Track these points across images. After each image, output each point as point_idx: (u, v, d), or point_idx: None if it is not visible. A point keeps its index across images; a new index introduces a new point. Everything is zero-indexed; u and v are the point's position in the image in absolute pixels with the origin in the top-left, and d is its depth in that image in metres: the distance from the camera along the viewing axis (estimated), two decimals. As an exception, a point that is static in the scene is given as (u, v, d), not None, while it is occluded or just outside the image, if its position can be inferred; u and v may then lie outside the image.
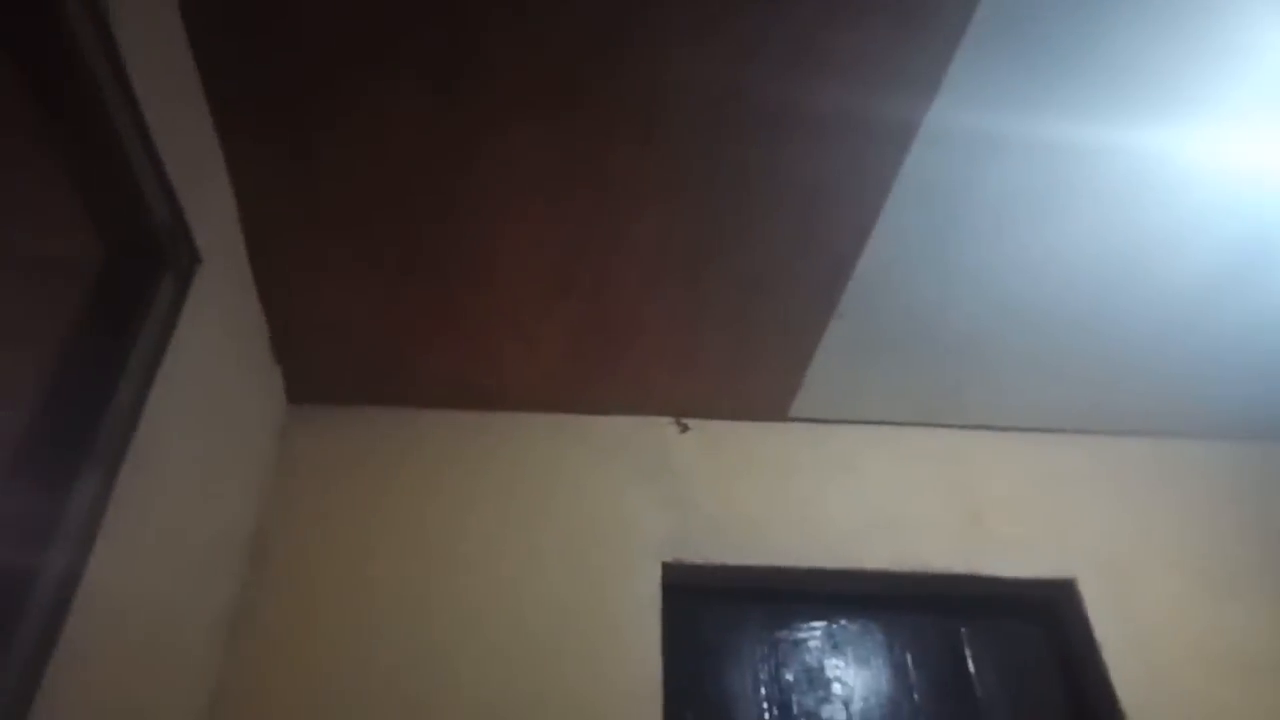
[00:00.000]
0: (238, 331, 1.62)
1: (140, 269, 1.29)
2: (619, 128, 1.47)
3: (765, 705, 1.76)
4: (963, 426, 2.03)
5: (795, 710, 1.76)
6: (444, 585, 1.71)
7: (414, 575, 1.72)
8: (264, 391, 1.74)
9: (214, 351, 1.50)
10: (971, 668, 1.84)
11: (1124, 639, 1.80)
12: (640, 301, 1.72)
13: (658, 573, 1.76)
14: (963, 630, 1.87)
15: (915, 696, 1.79)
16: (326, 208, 1.56)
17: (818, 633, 1.86)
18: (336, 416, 1.87)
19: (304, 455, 1.83)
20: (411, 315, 1.73)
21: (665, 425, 1.95)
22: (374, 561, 1.70)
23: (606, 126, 1.47)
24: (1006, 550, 1.89)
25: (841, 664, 1.82)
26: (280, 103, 1.44)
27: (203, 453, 1.50)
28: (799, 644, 1.85)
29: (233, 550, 1.64)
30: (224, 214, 1.53)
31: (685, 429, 1.95)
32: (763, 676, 1.79)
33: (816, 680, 1.80)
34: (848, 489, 1.92)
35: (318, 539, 1.73)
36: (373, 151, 1.49)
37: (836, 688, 1.80)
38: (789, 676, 1.80)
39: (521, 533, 1.79)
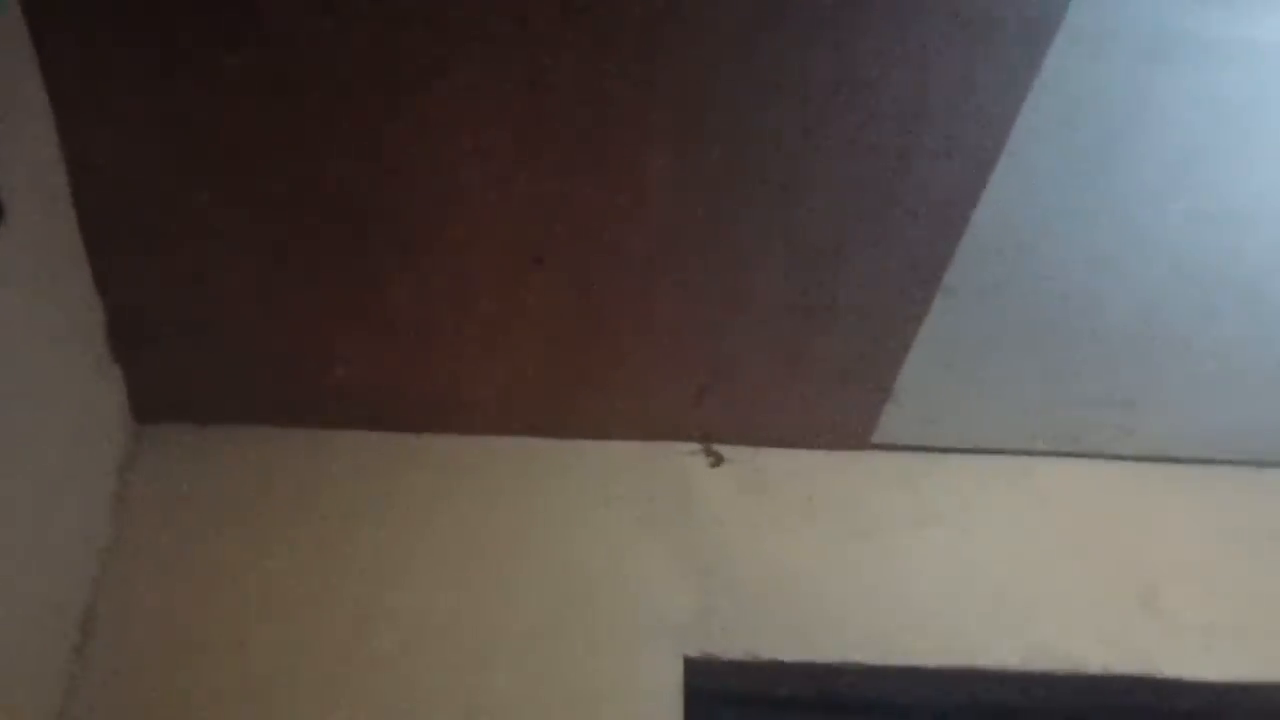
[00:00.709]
0: (57, 320, 1.47)
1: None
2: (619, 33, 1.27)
3: None
4: (1126, 458, 1.89)
5: None
6: (361, 686, 1.52)
7: (317, 671, 1.52)
8: (97, 405, 1.62)
9: (16, 348, 1.34)
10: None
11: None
12: (649, 280, 1.54)
13: (677, 671, 1.59)
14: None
15: None
16: (197, 150, 1.38)
17: (912, 761, 1.66)
18: (205, 441, 1.71)
19: (156, 496, 1.66)
20: (320, 301, 1.55)
21: (688, 455, 1.82)
22: (258, 648, 1.52)
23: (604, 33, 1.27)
24: (1195, 641, 1.73)
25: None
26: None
27: (6, 494, 1.32)
28: (883, 779, 1.65)
29: (54, 631, 1.49)
30: (41, 151, 1.36)
31: (718, 461, 1.81)
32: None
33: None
34: (955, 550, 1.77)
35: (175, 614, 1.56)
36: (267, 68, 1.29)
37: None
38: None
39: (477, 612, 1.59)
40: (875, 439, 1.83)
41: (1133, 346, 1.70)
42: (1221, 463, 1.88)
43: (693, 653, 1.61)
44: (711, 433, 1.80)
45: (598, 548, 1.68)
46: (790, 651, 1.64)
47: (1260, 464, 1.88)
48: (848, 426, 1.81)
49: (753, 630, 1.64)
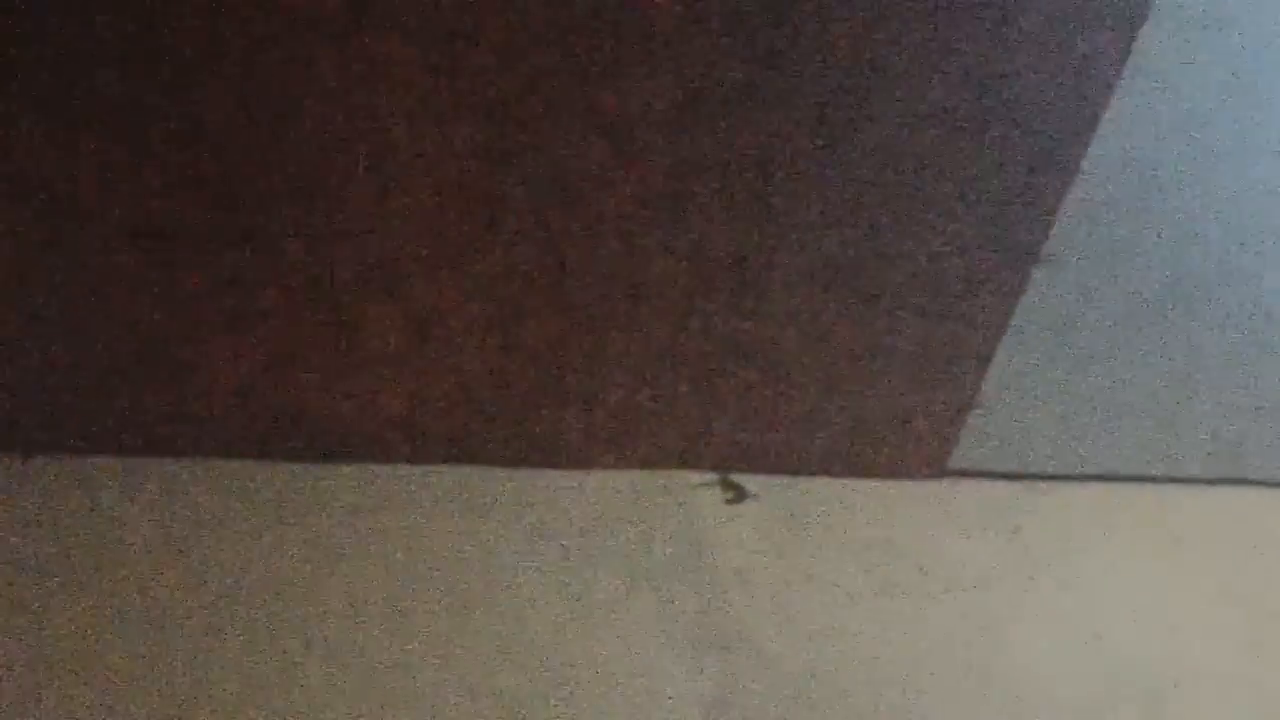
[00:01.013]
0: None
1: None
2: None
3: None
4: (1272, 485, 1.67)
5: None
6: None
7: None
8: None
9: None
10: None
11: None
12: (644, 237, 1.32)
13: None
14: None
15: None
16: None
17: None
18: (31, 475, 1.51)
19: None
20: (178, 276, 1.32)
21: (698, 488, 1.60)
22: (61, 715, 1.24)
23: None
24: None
25: None
26: None
27: None
28: None
29: None
30: None
31: (739, 495, 1.59)
32: None
33: None
34: (1062, 610, 1.57)
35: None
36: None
37: None
38: None
39: (415, 710, 1.41)
40: (954, 463, 1.63)
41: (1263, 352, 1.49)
42: None
43: None
44: (729, 458, 1.60)
45: (578, 620, 1.47)
46: None
47: None
48: (916, 446, 1.61)
49: None
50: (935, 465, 1.63)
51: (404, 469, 1.55)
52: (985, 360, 1.49)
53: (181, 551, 1.44)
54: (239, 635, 1.40)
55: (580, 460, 1.58)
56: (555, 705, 1.43)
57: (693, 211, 1.33)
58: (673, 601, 1.50)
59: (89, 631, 1.39)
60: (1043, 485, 1.67)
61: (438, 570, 1.49)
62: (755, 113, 1.25)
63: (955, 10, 1.18)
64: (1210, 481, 1.67)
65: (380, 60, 1.19)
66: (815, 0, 1.19)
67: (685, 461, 1.61)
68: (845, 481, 1.64)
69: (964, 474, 1.66)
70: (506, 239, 1.33)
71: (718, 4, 1.18)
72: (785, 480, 1.62)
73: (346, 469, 1.55)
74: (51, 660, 1.37)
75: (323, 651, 1.41)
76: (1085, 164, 1.35)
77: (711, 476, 1.61)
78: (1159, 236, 1.43)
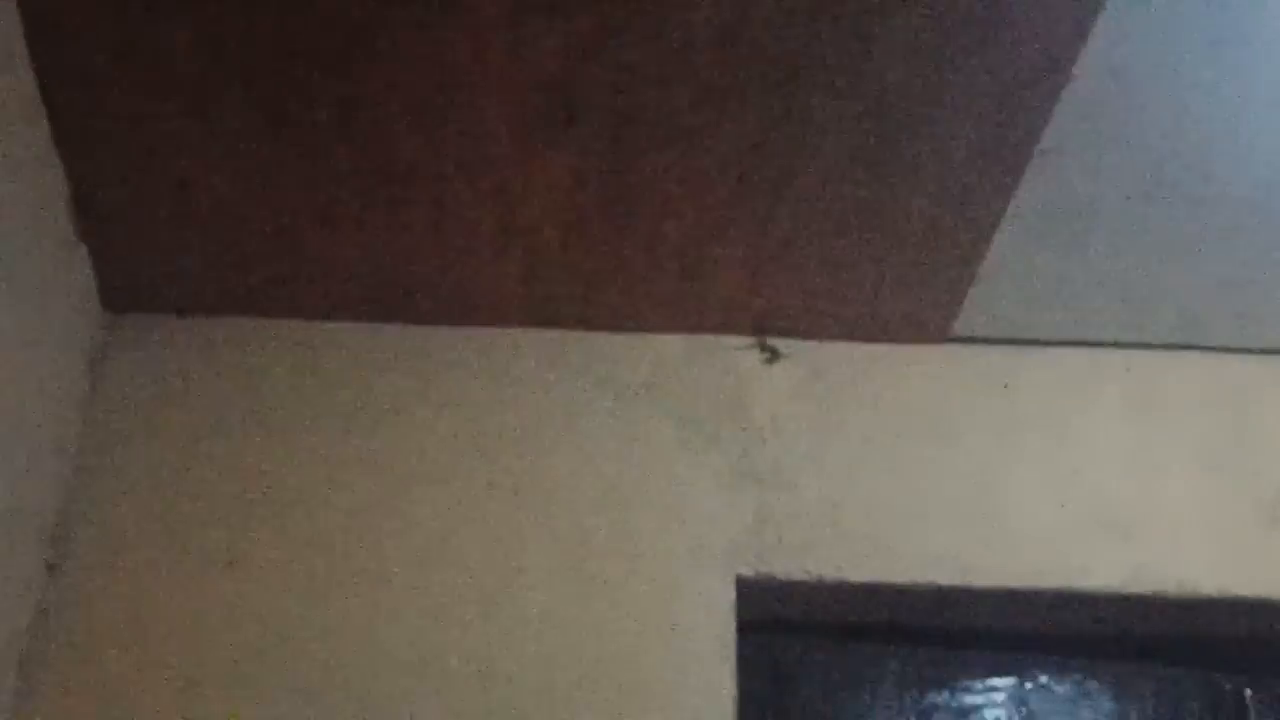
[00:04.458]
0: (10, 188, 1.43)
1: None
2: None
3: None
4: (1249, 351, 1.86)
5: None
6: (372, 609, 1.54)
7: (321, 592, 1.54)
8: (61, 291, 1.60)
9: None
10: (1260, 754, 1.73)
11: None
12: (692, 134, 1.46)
13: (729, 593, 1.62)
14: (1247, 694, 1.79)
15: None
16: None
17: (1000, 696, 1.78)
18: (185, 333, 1.72)
19: (130, 394, 1.68)
20: (316, 171, 1.52)
21: (739, 349, 1.81)
22: (252, 567, 1.55)
23: None
24: (1324, 561, 1.68)
25: (1042, 751, 1.69)
26: None
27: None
28: (967, 716, 1.74)
29: (22, 548, 1.50)
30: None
31: (773, 356, 1.81)
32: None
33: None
34: (1048, 457, 1.77)
35: (157, 528, 1.58)
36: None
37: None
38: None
39: (500, 528, 1.61)
40: (957, 330, 1.82)
41: (1259, 218, 1.67)
42: (1363, 355, 1.81)
43: (746, 572, 1.63)
44: (765, 324, 1.80)
45: (636, 454, 1.69)
46: (858, 571, 1.66)
47: None
48: (925, 315, 1.80)
49: (814, 546, 1.66)
50: (940, 332, 1.82)
51: (499, 330, 1.77)
52: (985, 241, 1.66)
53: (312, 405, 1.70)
54: (362, 464, 1.66)
55: (641, 325, 1.79)
56: (619, 520, 1.66)
57: (746, 110, 1.50)
58: (717, 442, 1.72)
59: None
60: (1033, 350, 1.85)
61: (522, 415, 1.71)
62: (792, 28, 1.41)
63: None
64: (1175, 347, 1.85)
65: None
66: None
67: (728, 327, 1.80)
68: (864, 346, 1.82)
69: (965, 340, 1.83)
70: (579, 127, 1.50)
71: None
72: (813, 344, 1.82)
73: (446, 330, 1.77)
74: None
75: (425, 479, 1.66)
76: (1078, 69, 1.47)
77: (750, 340, 1.81)
78: (1142, 134, 1.57)
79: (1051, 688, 1.75)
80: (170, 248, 1.66)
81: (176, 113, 1.50)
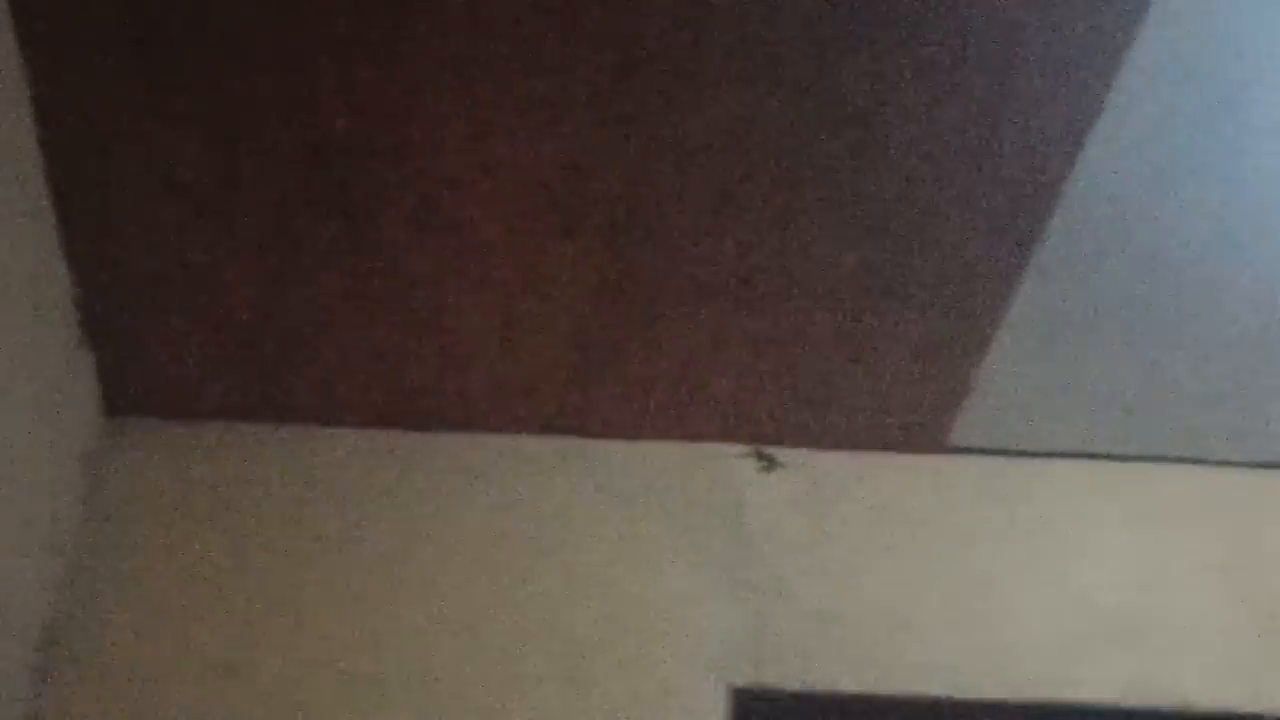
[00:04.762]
0: (22, 296, 1.44)
1: None
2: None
3: None
4: (1245, 465, 1.86)
5: None
6: (370, 718, 1.54)
7: (315, 699, 1.54)
8: (65, 395, 1.61)
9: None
10: None
11: None
12: (694, 251, 1.53)
13: (722, 704, 1.61)
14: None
15: None
16: (180, 110, 1.36)
17: (999, 812, 1.65)
18: (184, 438, 1.73)
19: (128, 497, 1.69)
20: (317, 281, 1.55)
21: (737, 458, 1.82)
22: (247, 672, 1.56)
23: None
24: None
25: None
26: None
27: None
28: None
29: (11, 649, 1.48)
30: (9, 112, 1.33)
31: (770, 465, 1.82)
32: None
33: None
34: (1047, 568, 1.78)
35: (151, 631, 1.58)
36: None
37: None
38: None
39: (499, 636, 1.62)
40: (954, 440, 1.82)
41: (1254, 335, 1.68)
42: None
43: (741, 681, 1.62)
44: (763, 433, 1.80)
45: (632, 562, 1.70)
46: (853, 682, 1.65)
47: None
48: (922, 425, 1.80)
49: (810, 657, 1.66)
50: (938, 442, 1.81)
51: (496, 437, 1.78)
52: (983, 352, 1.67)
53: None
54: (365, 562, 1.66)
55: (639, 433, 1.79)
56: (614, 628, 1.65)
57: (745, 220, 1.52)
58: (714, 550, 1.72)
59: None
60: (1029, 461, 1.84)
61: (520, 522, 1.71)
62: (790, 138, 1.43)
63: (967, 36, 1.36)
64: (1173, 459, 1.84)
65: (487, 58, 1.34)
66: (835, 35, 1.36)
67: (726, 435, 1.80)
68: (862, 455, 1.82)
69: (962, 450, 1.83)
70: (580, 235, 1.53)
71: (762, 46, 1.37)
72: (811, 453, 1.82)
73: (446, 436, 1.78)
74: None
75: (423, 586, 1.65)
76: (1073, 180, 1.48)
77: (748, 449, 1.81)
78: (1138, 245, 1.58)
79: (1052, 805, 1.65)
80: (173, 353, 1.67)
81: (184, 220, 1.52)
